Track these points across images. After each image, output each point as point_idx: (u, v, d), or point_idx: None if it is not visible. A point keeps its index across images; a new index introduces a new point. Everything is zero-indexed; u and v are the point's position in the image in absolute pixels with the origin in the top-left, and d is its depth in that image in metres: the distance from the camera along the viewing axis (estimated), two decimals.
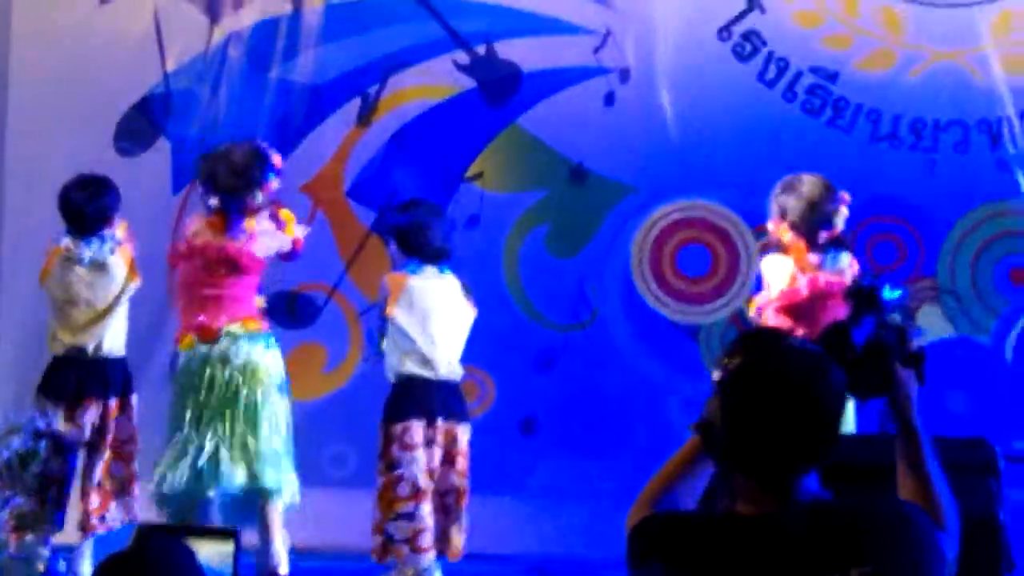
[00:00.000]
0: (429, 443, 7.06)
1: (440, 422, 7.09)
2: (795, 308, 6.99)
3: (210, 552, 2.79)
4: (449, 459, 7.11)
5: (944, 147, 8.66)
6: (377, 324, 7.32)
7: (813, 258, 7.06)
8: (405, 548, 6.92)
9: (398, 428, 7.03)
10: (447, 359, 7.17)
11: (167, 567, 2.62)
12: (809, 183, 7.12)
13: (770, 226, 7.20)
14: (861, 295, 3.52)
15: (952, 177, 8.64)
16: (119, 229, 7.23)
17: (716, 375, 3.02)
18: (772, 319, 7.06)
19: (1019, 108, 8.62)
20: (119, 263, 7.14)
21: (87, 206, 7.13)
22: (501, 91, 8.82)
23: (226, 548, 2.79)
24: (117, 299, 7.14)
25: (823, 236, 7.10)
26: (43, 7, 8.93)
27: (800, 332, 6.86)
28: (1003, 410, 8.43)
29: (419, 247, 7.14)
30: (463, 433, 7.18)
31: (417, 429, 7.03)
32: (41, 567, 5.96)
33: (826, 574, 2.87)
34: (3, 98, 8.85)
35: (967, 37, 8.71)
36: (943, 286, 8.59)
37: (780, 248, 7.14)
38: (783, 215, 7.11)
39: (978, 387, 8.47)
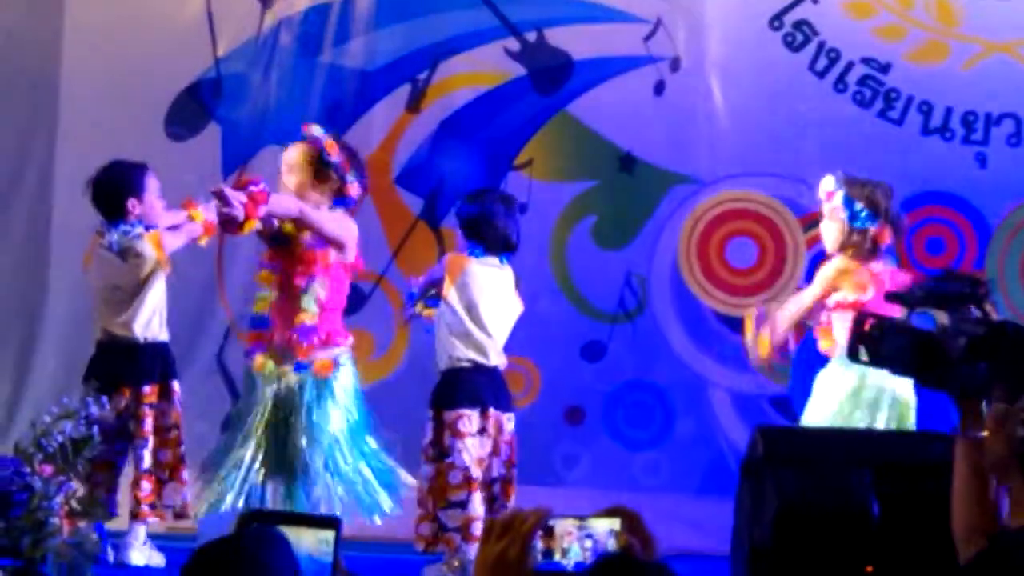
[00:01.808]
0: (481, 432, 7.06)
1: (492, 411, 7.09)
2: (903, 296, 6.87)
3: (310, 540, 2.83)
4: (495, 449, 7.11)
5: (996, 140, 8.62)
6: (421, 288, 7.31)
7: (885, 259, 6.95)
8: (457, 537, 6.92)
9: (451, 415, 7.02)
10: (496, 347, 7.17)
11: (261, 556, 2.66)
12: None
13: (862, 225, 6.96)
14: (967, 286, 3.50)
15: (1003, 170, 8.60)
16: (196, 215, 7.17)
17: None
18: (836, 318, 6.93)
19: None
20: (147, 247, 7.12)
21: (102, 189, 7.14)
22: (551, 79, 8.81)
23: (327, 536, 2.83)
24: (145, 283, 7.12)
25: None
26: None
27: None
28: None
29: (484, 237, 7.13)
30: (509, 422, 7.18)
31: (471, 417, 7.02)
32: (92, 553, 6.00)
33: None
34: (56, 85, 8.88)
35: (1021, 29, 8.66)
36: (990, 280, 8.55)
37: (863, 250, 6.92)
38: (881, 213, 6.92)
39: None
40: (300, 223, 6.54)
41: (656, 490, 8.44)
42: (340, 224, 6.65)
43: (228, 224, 6.30)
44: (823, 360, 7.02)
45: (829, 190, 6.97)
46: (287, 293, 6.65)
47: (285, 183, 6.68)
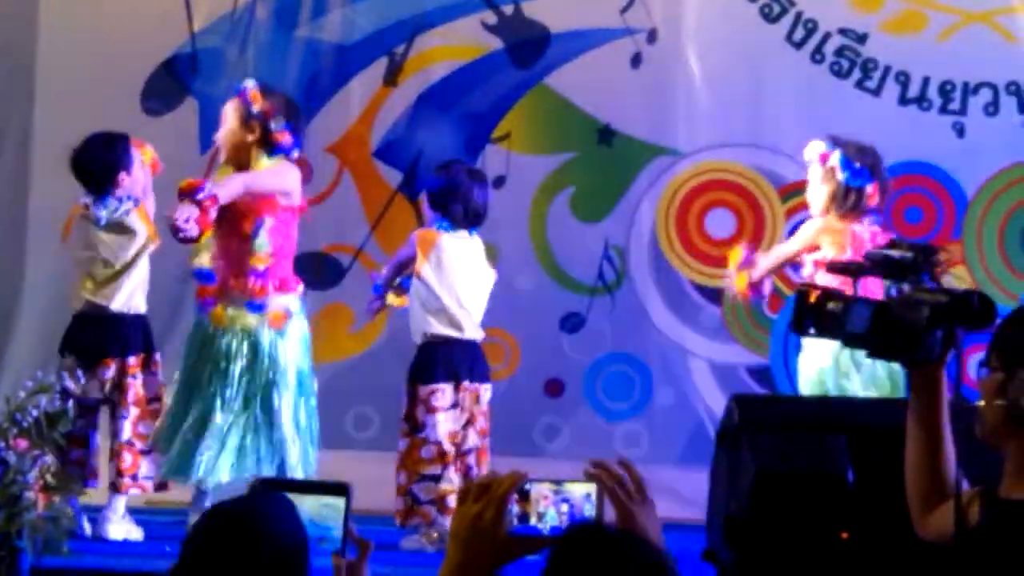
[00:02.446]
0: (454, 405, 7.07)
1: (466, 384, 7.09)
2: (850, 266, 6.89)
3: (312, 505, 2.85)
4: (470, 419, 7.12)
5: (973, 109, 8.62)
6: (386, 278, 7.32)
7: (867, 220, 6.96)
8: (432, 510, 6.94)
9: (425, 390, 7.03)
10: (472, 320, 7.17)
11: (268, 523, 2.70)
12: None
13: (862, 187, 6.95)
14: (920, 255, 3.51)
15: (981, 140, 8.61)
16: (145, 154, 7.21)
17: None
18: (823, 279, 6.96)
19: None
20: (138, 222, 7.14)
21: (92, 163, 7.13)
22: (528, 52, 8.80)
23: (331, 501, 2.84)
24: (136, 258, 7.13)
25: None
26: None
27: (847, 291, 6.81)
28: None
29: (451, 210, 7.12)
30: (484, 393, 7.19)
31: (445, 392, 7.03)
32: (68, 527, 6.00)
33: None
34: (32, 61, 8.85)
35: None
36: (967, 251, 8.56)
37: (855, 210, 6.91)
38: (877, 172, 6.93)
39: None
40: (249, 194, 6.61)
41: (636, 461, 8.37)
42: (280, 176, 6.73)
43: (184, 240, 6.41)
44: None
45: (822, 151, 6.97)
46: (234, 240, 6.67)
47: (217, 136, 6.84)
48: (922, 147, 8.53)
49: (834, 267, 3.54)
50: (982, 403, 3.18)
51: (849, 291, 6.79)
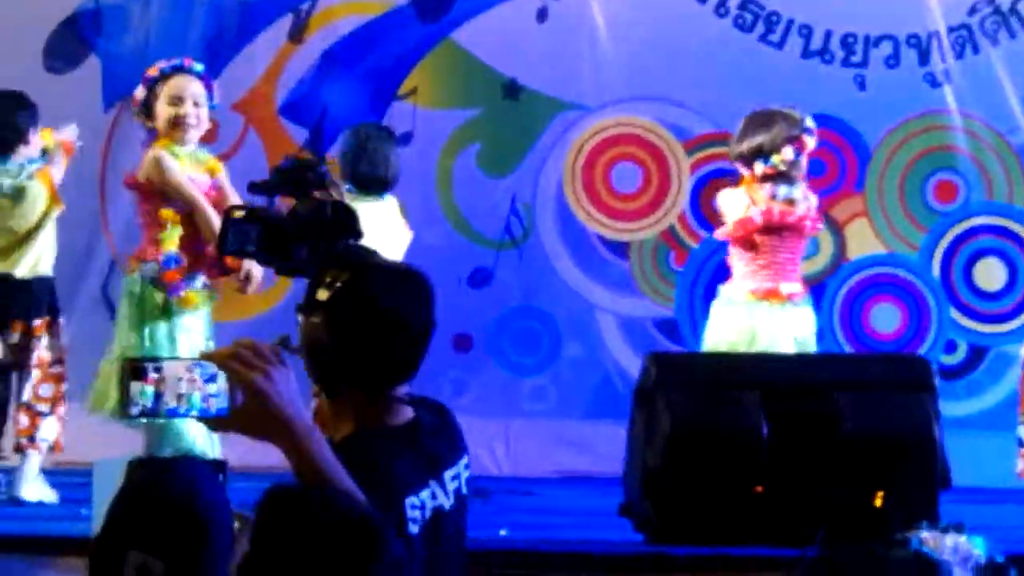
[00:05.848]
0: None
1: None
2: (749, 239, 6.96)
3: None
4: None
5: (874, 62, 8.72)
6: None
7: (766, 188, 7.01)
8: None
9: None
10: None
11: (197, 492, 2.62)
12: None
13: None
14: (307, 170, 3.59)
15: (882, 92, 8.70)
16: (48, 138, 7.14)
17: (322, 296, 2.98)
18: (731, 250, 7.06)
19: (948, 23, 8.68)
20: (39, 188, 7.06)
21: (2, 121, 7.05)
22: (434, 7, 8.78)
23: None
24: (39, 225, 7.06)
25: (761, 169, 7.04)
26: None
27: (758, 263, 6.89)
28: (931, 326, 8.58)
29: (356, 173, 7.09)
30: None
31: None
32: None
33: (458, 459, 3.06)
34: None
35: None
36: (869, 202, 8.67)
37: (736, 181, 7.11)
38: (735, 139, 7.09)
39: (907, 303, 8.59)
40: None
41: (544, 415, 8.53)
42: None
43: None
44: (709, 280, 7.24)
45: None
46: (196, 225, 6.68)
47: (193, 113, 6.70)
48: (825, 100, 8.58)
49: (251, 187, 3.55)
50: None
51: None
